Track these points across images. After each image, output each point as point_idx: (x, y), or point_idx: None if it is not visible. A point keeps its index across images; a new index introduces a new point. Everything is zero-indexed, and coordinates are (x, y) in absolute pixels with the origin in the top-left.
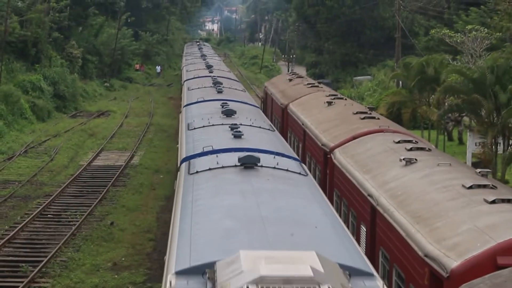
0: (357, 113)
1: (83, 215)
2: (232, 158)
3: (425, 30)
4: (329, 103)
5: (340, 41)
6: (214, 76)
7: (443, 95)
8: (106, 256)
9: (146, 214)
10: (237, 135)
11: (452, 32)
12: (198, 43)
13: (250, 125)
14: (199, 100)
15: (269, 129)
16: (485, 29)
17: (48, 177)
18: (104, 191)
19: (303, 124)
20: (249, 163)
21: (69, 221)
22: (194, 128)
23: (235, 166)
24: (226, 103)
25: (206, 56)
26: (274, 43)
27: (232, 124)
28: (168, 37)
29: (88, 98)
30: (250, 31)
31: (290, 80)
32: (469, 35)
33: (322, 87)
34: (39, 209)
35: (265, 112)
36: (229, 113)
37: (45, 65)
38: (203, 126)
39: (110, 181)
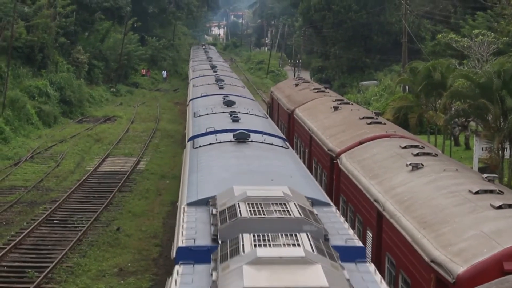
0: (363, 118)
1: (89, 220)
2: (229, 136)
3: (431, 34)
4: (336, 108)
5: (347, 46)
6: (217, 75)
7: (449, 100)
8: (112, 262)
9: (152, 220)
10: (235, 120)
11: (459, 36)
12: (204, 47)
13: (247, 113)
14: (203, 94)
15: (262, 116)
16: (492, 33)
17: (54, 182)
18: (110, 197)
19: (309, 129)
20: (241, 138)
21: (75, 227)
22: (200, 116)
23: (231, 141)
24: (227, 96)
25: (211, 58)
26: (281, 48)
27: (231, 112)
28: (174, 42)
29: (94, 104)
30: (256, 36)
31: (297, 85)
32: (475, 39)
33: (328, 92)
34: (45, 215)
35: (271, 117)
36: (229, 103)
37: (52, 71)
38: (207, 114)
39: (116, 187)
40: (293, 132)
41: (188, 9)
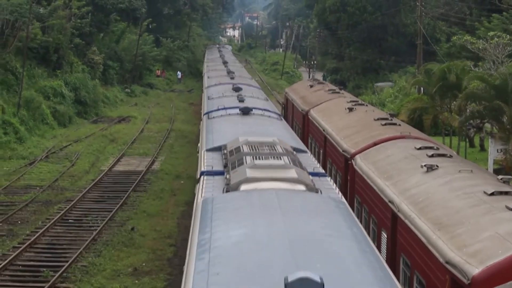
0: (378, 119)
1: (104, 220)
2: (236, 110)
3: (446, 36)
4: (350, 109)
5: (361, 47)
6: (228, 68)
7: (464, 101)
8: (126, 262)
9: (166, 220)
10: (241, 100)
11: (474, 38)
12: (218, 46)
13: (251, 96)
14: (216, 84)
15: (264, 99)
16: (507, 35)
17: (69, 182)
18: (125, 197)
19: (324, 130)
20: (245, 111)
21: (90, 226)
22: (213, 98)
23: (237, 114)
24: (236, 84)
25: (224, 55)
26: (295, 49)
27: (238, 95)
28: (189, 43)
29: (109, 104)
30: (271, 38)
31: (311, 86)
32: (491, 41)
33: (343, 93)
34: (60, 214)
35: (285, 117)
36: (237, 89)
37: (67, 71)
38: (219, 97)
39: (131, 187)
40: (307, 133)
41: (203, 11)
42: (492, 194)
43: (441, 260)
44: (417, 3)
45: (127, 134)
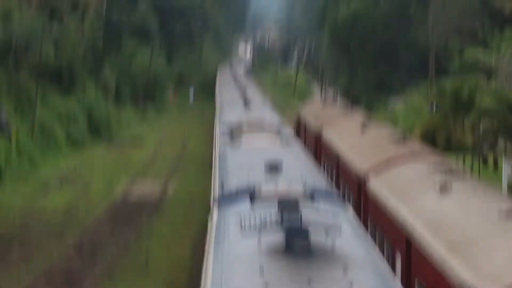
0: (391, 139)
1: (119, 245)
2: (241, 105)
3: (459, 51)
4: (363, 128)
5: (373, 64)
6: (236, 77)
7: (477, 118)
8: None
9: (181, 246)
10: (247, 103)
11: (486, 53)
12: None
13: (254, 96)
14: (226, 87)
15: (263, 99)
16: None
17: (83, 206)
18: (140, 221)
19: (336, 151)
20: (247, 104)
21: (105, 252)
22: (223, 96)
23: (241, 107)
24: (241, 87)
25: (233, 67)
26: (307, 67)
27: (242, 93)
28: (201, 61)
29: (122, 125)
30: (283, 55)
31: (323, 105)
32: (504, 55)
33: (355, 113)
34: (74, 240)
35: (298, 137)
36: (242, 91)
37: (79, 92)
38: (227, 98)
39: (145, 210)
40: (320, 153)
41: (214, 28)
42: (507, 215)
43: (456, 282)
44: (429, 17)
45: (140, 156)
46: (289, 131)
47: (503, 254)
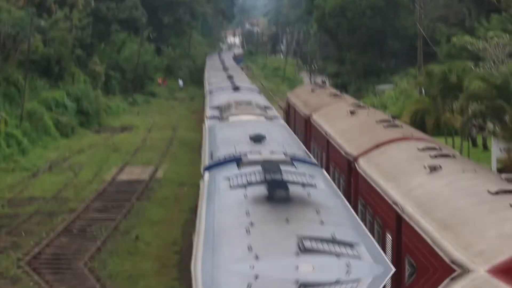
0: (380, 121)
1: (108, 229)
2: (229, 88)
3: (446, 37)
4: (352, 113)
5: (362, 51)
6: (225, 64)
7: (466, 101)
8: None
9: (171, 227)
10: (232, 82)
11: (474, 39)
12: (218, 52)
13: (242, 81)
14: (215, 74)
15: (251, 83)
16: (507, 35)
17: (73, 192)
18: (129, 205)
19: (326, 134)
20: (236, 88)
21: (94, 236)
22: (212, 82)
23: (229, 90)
24: (230, 75)
25: (223, 60)
26: (296, 54)
27: (229, 76)
28: (190, 52)
29: (112, 114)
30: (271, 44)
31: (312, 90)
32: (490, 41)
33: (344, 97)
34: (64, 225)
35: (288, 122)
36: (230, 76)
37: (68, 82)
38: (216, 81)
39: (134, 195)
40: (310, 137)
41: (203, 19)
42: (496, 193)
43: (446, 260)
44: (416, 6)
45: (130, 143)
46: (274, 110)
47: (494, 232)
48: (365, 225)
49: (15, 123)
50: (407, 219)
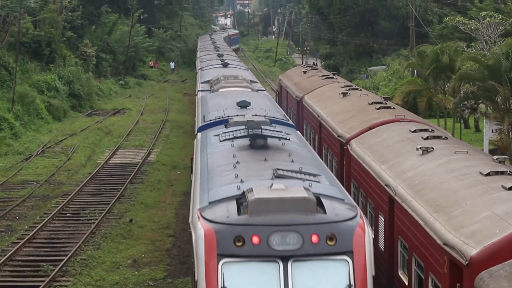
0: (372, 103)
1: (102, 213)
2: (219, 64)
3: (439, 18)
4: (344, 94)
5: (354, 32)
6: (216, 44)
7: (458, 82)
8: (126, 253)
9: (164, 211)
10: (222, 60)
11: (466, 19)
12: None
13: (229, 58)
14: (206, 53)
15: (239, 60)
16: (499, 15)
17: (66, 176)
18: (122, 189)
19: (318, 116)
20: (225, 64)
21: (88, 220)
22: (203, 61)
23: (219, 66)
24: (220, 53)
25: (214, 39)
26: (288, 35)
27: (219, 55)
28: (181, 33)
29: (103, 97)
30: (263, 25)
31: (305, 72)
32: (483, 21)
33: (336, 79)
34: (58, 208)
35: (280, 104)
36: (220, 55)
37: (60, 65)
38: (207, 58)
39: (127, 179)
40: (302, 119)
41: (194, 2)
42: (488, 174)
43: (438, 241)
44: None
45: (122, 126)
46: (259, 84)
47: (485, 213)
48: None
49: (6, 107)
50: (399, 201)
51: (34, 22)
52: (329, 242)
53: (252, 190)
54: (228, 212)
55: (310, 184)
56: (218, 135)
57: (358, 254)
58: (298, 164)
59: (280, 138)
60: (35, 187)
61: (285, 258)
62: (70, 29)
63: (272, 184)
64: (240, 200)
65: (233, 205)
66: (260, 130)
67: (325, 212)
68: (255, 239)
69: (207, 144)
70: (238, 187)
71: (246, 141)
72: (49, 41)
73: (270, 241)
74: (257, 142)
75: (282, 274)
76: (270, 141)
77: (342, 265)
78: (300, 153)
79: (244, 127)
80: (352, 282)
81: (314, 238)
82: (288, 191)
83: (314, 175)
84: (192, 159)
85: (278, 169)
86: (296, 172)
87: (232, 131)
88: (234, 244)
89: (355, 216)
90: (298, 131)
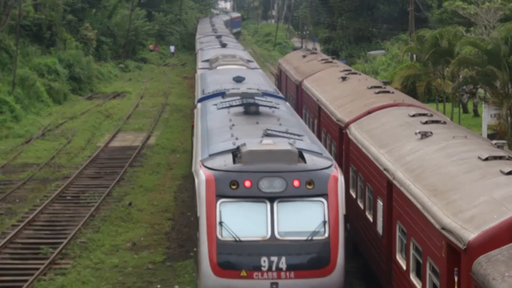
0: (371, 87)
1: (102, 196)
2: (218, 45)
3: (438, 2)
4: (343, 79)
5: (353, 16)
6: (215, 28)
7: (457, 67)
8: (125, 236)
9: (163, 194)
10: (221, 41)
11: (465, 4)
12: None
13: (228, 39)
14: (205, 35)
15: (237, 42)
16: (498, 0)
17: (66, 159)
18: (122, 172)
19: (317, 100)
20: (223, 45)
21: (88, 203)
22: (202, 42)
23: (218, 47)
24: (219, 35)
25: (214, 23)
26: (287, 20)
27: (218, 36)
28: (181, 17)
29: (103, 80)
30: (263, 9)
31: (304, 56)
32: (482, 6)
33: (336, 63)
34: (58, 191)
35: (279, 88)
36: (218, 36)
37: (60, 48)
38: (206, 39)
39: (127, 162)
40: (301, 103)
41: None
42: (486, 159)
43: (437, 226)
44: None
45: (122, 109)
46: (255, 63)
47: (484, 198)
48: (357, 191)
49: (7, 90)
50: (398, 185)
51: (35, 5)
52: (308, 186)
53: (245, 144)
54: (225, 161)
55: (294, 142)
56: (216, 104)
57: (332, 196)
58: (285, 127)
59: (270, 107)
60: (35, 170)
61: (271, 199)
62: (70, 12)
63: (262, 140)
64: (235, 152)
65: (229, 156)
66: (253, 99)
67: (305, 162)
68: (247, 183)
69: (206, 112)
70: (234, 143)
71: (240, 109)
72: (50, 24)
73: (259, 185)
74: (250, 109)
75: (269, 212)
76: (261, 108)
77: (318, 205)
78: (288, 119)
79: (239, 97)
80: (326, 219)
81: (296, 183)
82: (275, 145)
83: (298, 135)
84: (192, 126)
85: (268, 129)
86: (283, 132)
87: (228, 101)
88: (230, 187)
89: (330, 166)
90: (287, 103)
